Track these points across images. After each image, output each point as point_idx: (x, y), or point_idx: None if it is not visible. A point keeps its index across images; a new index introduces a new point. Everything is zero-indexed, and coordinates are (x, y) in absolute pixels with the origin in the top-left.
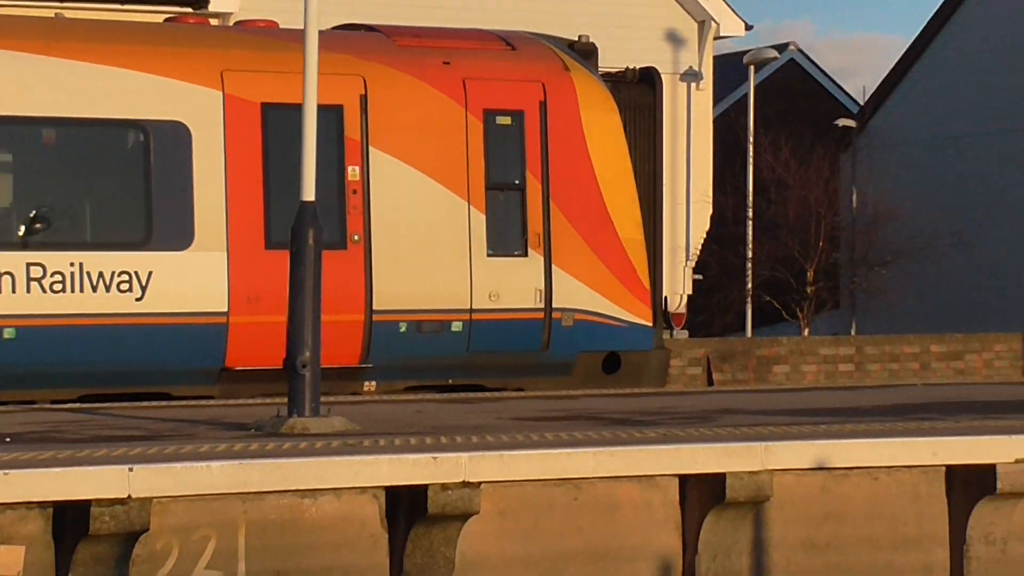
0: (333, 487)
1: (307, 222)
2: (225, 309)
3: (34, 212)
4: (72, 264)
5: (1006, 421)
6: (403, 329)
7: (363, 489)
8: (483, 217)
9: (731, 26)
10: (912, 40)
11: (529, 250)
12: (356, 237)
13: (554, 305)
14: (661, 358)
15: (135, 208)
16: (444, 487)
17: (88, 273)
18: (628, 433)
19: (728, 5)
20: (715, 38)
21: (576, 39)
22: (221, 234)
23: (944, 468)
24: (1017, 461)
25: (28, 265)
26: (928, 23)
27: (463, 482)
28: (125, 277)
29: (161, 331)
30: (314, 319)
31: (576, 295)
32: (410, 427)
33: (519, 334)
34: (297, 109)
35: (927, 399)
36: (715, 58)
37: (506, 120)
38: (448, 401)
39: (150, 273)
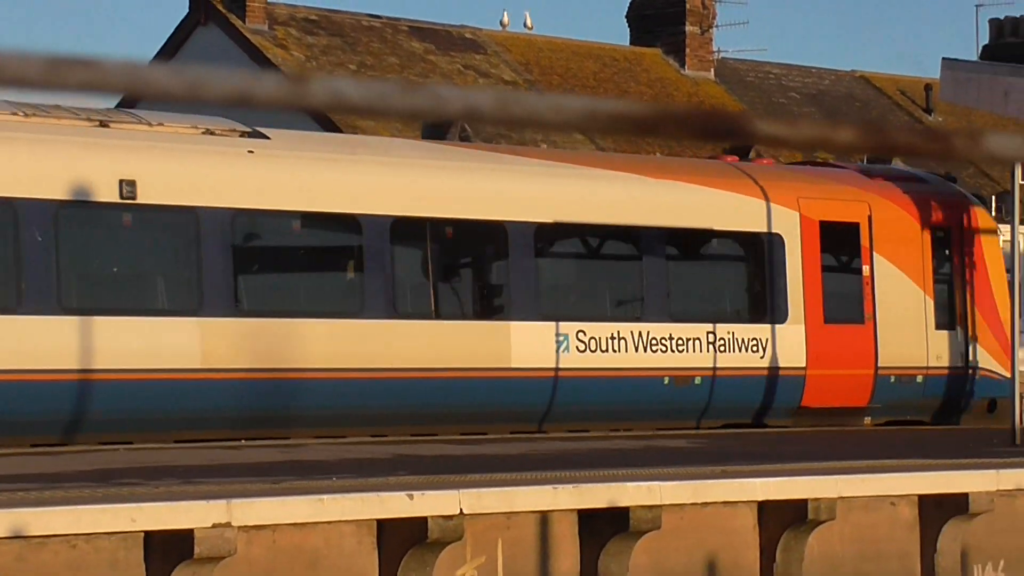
0: None
1: None
2: (803, 364)
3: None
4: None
5: (206, 486)
6: (892, 380)
7: None
8: (932, 302)
9: None
10: None
11: (956, 326)
12: (868, 315)
13: (971, 364)
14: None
15: (759, 293)
16: None
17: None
18: None
19: None
20: None
21: (945, 173)
22: (800, 311)
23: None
24: (215, 526)
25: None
26: None
27: None
28: (755, 342)
29: (767, 380)
30: None
31: (982, 357)
32: None
33: (948, 385)
34: (839, 226)
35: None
36: None
37: (940, 234)
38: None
39: (767, 339)
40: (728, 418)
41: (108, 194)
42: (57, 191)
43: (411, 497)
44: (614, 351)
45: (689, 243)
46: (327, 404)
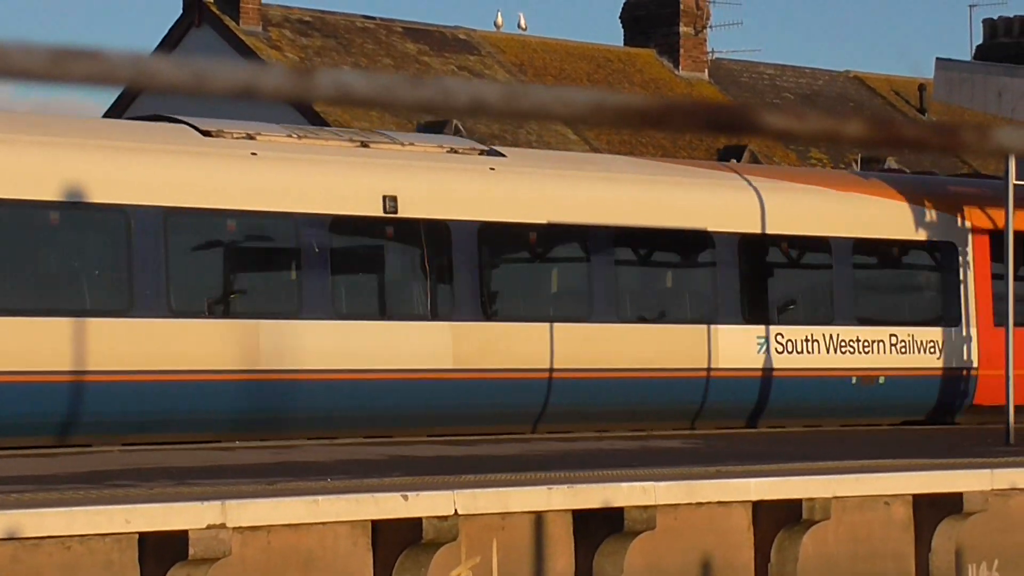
0: None
1: None
2: (975, 365)
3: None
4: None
5: (201, 487)
6: None
7: None
8: None
9: None
10: None
11: None
12: None
13: None
14: None
15: (935, 298)
16: None
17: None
18: None
19: None
20: None
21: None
22: (972, 315)
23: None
24: (209, 527)
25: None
26: None
27: None
28: (932, 344)
29: (943, 380)
30: None
31: None
32: None
33: None
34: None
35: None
36: None
37: None
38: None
39: (943, 341)
40: (906, 416)
41: (373, 208)
42: (329, 206)
43: (406, 498)
44: (808, 352)
45: (873, 252)
46: (578, 401)
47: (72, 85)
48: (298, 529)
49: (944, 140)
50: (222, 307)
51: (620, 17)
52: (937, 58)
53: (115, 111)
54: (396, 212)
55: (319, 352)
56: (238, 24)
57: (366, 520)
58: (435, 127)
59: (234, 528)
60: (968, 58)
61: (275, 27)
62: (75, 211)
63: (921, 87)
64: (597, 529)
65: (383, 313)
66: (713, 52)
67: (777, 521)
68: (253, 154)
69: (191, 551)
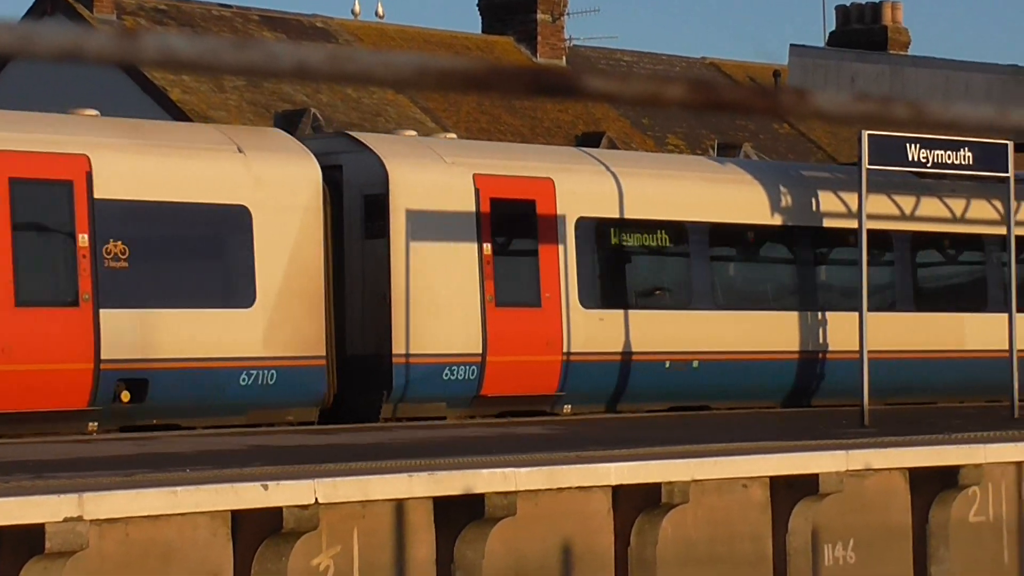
0: None
1: None
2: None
3: None
4: None
5: (58, 480)
6: None
7: None
8: None
9: None
10: None
11: None
12: None
13: None
14: None
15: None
16: None
17: None
18: None
19: None
20: None
21: None
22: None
23: None
24: (66, 520)
25: None
26: None
27: None
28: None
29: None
30: None
31: None
32: None
33: None
34: None
35: None
36: None
37: None
38: None
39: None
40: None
41: None
42: None
43: (266, 487)
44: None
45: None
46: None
47: None
48: (157, 521)
49: (764, 103)
50: None
51: (478, 5)
52: (791, 45)
53: None
54: None
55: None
56: (91, 12)
57: (226, 511)
58: (293, 116)
59: (92, 521)
60: (822, 44)
61: (130, 15)
62: None
63: (776, 73)
64: (458, 516)
65: None
66: (571, 39)
67: (637, 505)
68: None
69: (48, 545)
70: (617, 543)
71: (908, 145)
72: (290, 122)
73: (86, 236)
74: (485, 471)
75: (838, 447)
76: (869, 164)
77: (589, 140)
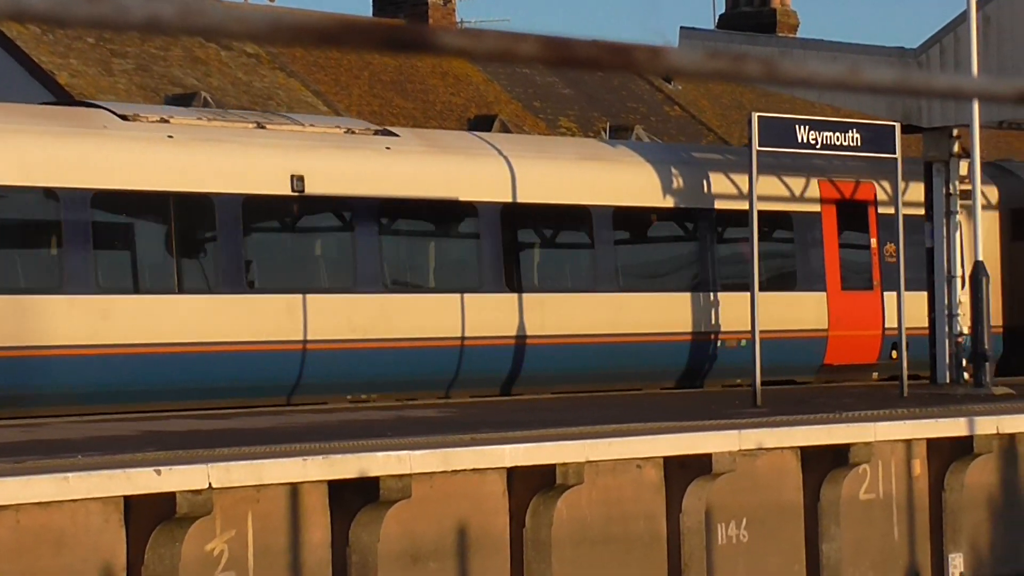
0: None
1: None
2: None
3: None
4: None
5: None
6: None
7: None
8: None
9: None
10: None
11: None
12: None
13: None
14: None
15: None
16: None
17: None
18: None
19: None
20: None
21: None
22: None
23: None
24: None
25: None
26: None
27: None
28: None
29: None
30: None
31: None
32: None
33: None
34: None
35: None
36: None
37: None
38: None
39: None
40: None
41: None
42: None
43: (159, 472)
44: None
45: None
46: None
47: None
48: (48, 507)
49: (618, 59)
50: None
51: None
52: (681, 27)
53: None
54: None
55: None
56: None
57: (118, 496)
58: (183, 99)
59: None
60: (712, 27)
61: None
62: None
63: None
64: (353, 499)
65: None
66: (463, 22)
67: (532, 487)
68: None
69: None
70: (512, 524)
71: (797, 127)
72: (181, 105)
73: None
74: (380, 454)
75: (731, 427)
76: (759, 146)
77: (481, 123)
